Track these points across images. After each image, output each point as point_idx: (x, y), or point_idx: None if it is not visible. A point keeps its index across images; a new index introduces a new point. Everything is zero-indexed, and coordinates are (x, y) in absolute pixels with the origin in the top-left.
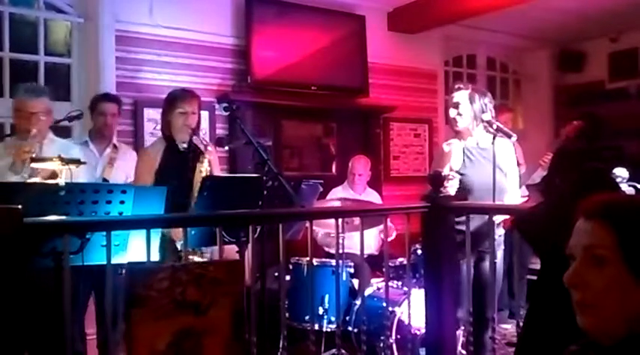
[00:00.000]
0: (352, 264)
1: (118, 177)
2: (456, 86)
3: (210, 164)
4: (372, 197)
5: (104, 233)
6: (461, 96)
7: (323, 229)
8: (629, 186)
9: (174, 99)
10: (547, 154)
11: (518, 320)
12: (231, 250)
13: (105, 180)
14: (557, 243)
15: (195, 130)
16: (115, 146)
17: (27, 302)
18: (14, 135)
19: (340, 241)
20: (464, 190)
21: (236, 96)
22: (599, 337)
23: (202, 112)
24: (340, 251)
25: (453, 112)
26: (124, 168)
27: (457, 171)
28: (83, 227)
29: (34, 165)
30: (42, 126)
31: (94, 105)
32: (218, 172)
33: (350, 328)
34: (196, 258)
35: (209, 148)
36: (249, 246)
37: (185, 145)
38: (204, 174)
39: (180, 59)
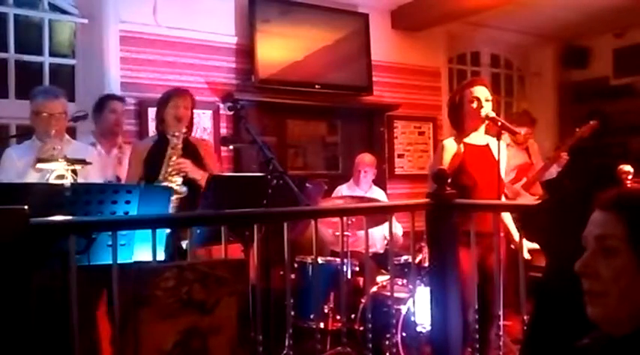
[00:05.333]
0: (357, 262)
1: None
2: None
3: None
4: (378, 195)
5: (110, 232)
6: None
7: (330, 230)
8: (635, 182)
9: (167, 96)
10: (563, 152)
11: (524, 317)
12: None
13: (118, 178)
14: (562, 240)
15: (188, 126)
16: (121, 146)
17: (36, 303)
18: (31, 138)
19: (345, 239)
20: (467, 189)
21: (240, 96)
22: (606, 326)
23: (207, 111)
24: (345, 249)
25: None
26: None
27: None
28: (89, 227)
29: (38, 165)
30: (61, 127)
31: (103, 104)
32: (213, 162)
33: (356, 326)
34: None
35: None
36: (255, 245)
37: (175, 136)
38: (174, 147)
39: (184, 59)
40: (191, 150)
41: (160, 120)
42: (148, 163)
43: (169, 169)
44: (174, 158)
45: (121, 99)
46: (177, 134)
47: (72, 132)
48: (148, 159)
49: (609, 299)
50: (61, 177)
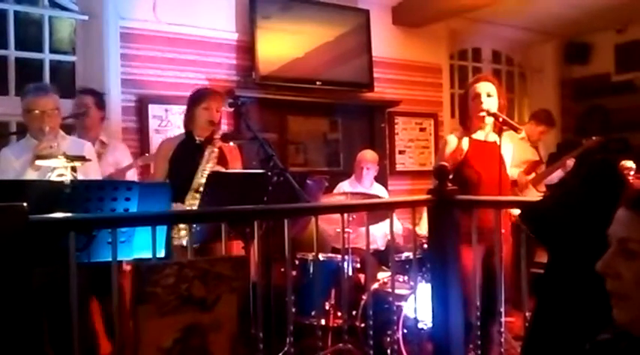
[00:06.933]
0: (358, 259)
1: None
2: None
3: (226, 158)
4: (380, 191)
5: (110, 230)
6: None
7: (332, 226)
8: (636, 178)
9: (200, 95)
10: (569, 160)
11: (525, 313)
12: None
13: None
14: (564, 236)
15: (217, 127)
16: (102, 142)
17: (37, 301)
18: (26, 136)
19: (346, 236)
20: (469, 184)
21: (241, 92)
22: (630, 329)
23: None
24: (346, 246)
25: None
26: (110, 164)
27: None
28: (89, 224)
29: (38, 162)
30: (54, 124)
31: None
32: (237, 167)
33: (357, 323)
34: None
35: (231, 144)
36: (255, 241)
37: (202, 139)
38: (210, 165)
39: (185, 55)
40: (218, 156)
41: (190, 119)
42: (174, 163)
43: (202, 180)
44: (208, 167)
45: (89, 92)
46: (215, 149)
47: (71, 129)
48: (174, 158)
49: (632, 303)
50: (62, 176)
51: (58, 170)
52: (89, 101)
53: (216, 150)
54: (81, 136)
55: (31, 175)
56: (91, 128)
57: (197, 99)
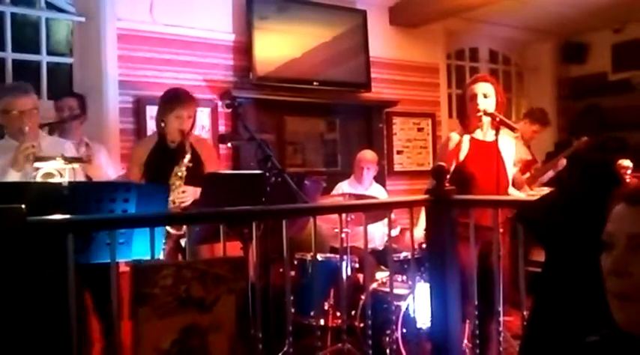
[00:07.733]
0: (357, 258)
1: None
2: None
3: (200, 158)
4: (379, 191)
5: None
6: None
7: (329, 225)
8: (634, 177)
9: (172, 102)
10: (561, 159)
11: (524, 312)
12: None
13: (88, 177)
14: (561, 234)
15: (189, 132)
16: (87, 144)
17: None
18: (4, 138)
19: (344, 236)
20: (468, 183)
21: (238, 93)
22: (631, 330)
23: (204, 109)
24: (344, 245)
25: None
26: (97, 167)
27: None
28: (87, 225)
29: (37, 164)
30: (34, 123)
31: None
32: (213, 165)
33: (356, 323)
34: None
35: (229, 145)
36: (253, 242)
37: (174, 145)
38: (180, 174)
39: (182, 56)
40: (192, 155)
41: (161, 121)
42: (149, 169)
43: (170, 198)
44: (173, 189)
45: (71, 94)
46: (184, 166)
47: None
48: (149, 164)
49: (637, 303)
50: (49, 175)
51: (43, 170)
52: (74, 103)
53: (183, 169)
54: (63, 138)
55: (13, 176)
56: (75, 130)
57: (168, 104)
